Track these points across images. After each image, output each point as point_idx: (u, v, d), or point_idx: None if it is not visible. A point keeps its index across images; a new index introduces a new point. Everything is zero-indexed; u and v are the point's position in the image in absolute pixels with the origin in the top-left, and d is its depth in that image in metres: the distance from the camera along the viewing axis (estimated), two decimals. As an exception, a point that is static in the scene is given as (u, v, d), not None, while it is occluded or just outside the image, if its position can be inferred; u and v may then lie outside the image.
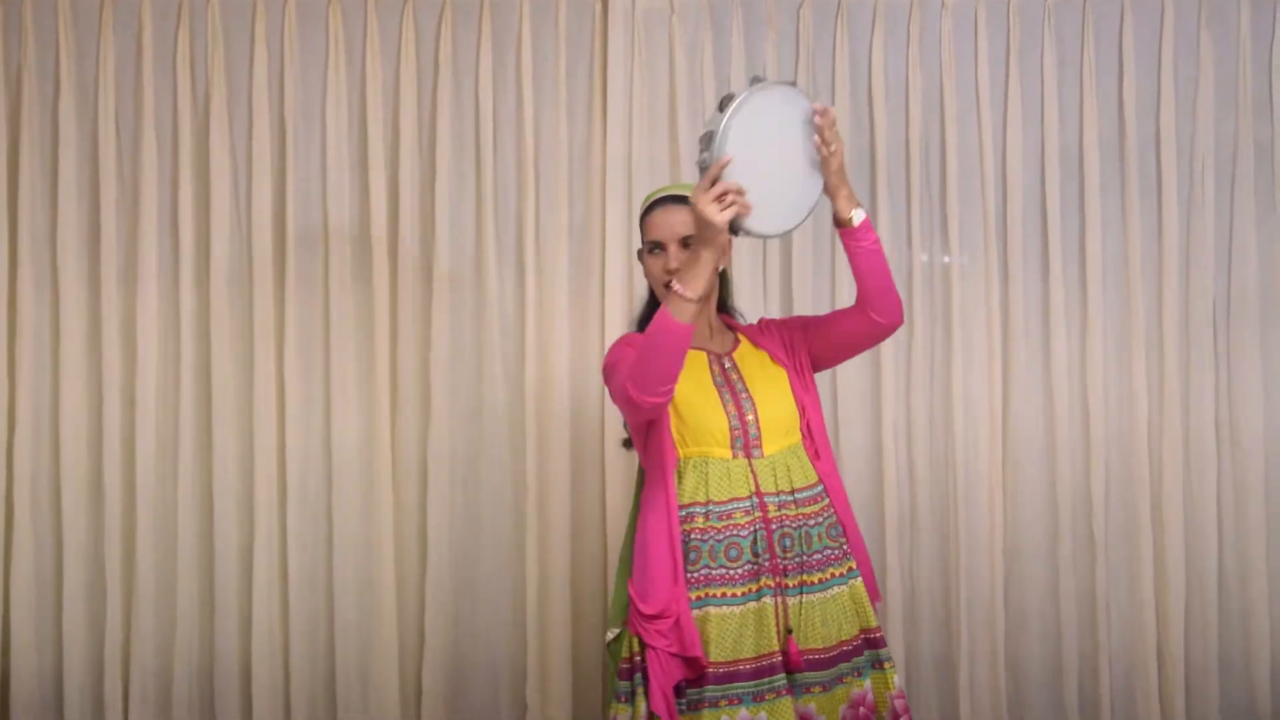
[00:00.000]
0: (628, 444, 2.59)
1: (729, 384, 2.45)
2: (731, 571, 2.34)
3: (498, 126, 3.31)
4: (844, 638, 2.39)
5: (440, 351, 3.27)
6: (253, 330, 3.27)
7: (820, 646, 2.36)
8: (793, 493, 2.40)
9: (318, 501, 3.30)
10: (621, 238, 3.28)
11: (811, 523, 2.41)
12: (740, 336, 2.55)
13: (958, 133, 3.31)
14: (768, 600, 2.33)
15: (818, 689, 2.35)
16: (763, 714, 2.29)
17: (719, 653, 2.30)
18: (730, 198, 2.15)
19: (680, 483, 2.40)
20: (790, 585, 2.36)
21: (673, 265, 2.38)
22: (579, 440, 3.29)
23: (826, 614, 2.37)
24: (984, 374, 3.31)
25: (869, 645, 2.43)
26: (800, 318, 2.58)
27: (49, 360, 3.29)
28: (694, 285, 2.19)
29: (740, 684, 2.29)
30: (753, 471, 2.39)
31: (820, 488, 2.44)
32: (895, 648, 3.24)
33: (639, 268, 3.22)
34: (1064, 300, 3.31)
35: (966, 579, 3.28)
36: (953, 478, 3.29)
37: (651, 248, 2.44)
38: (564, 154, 3.30)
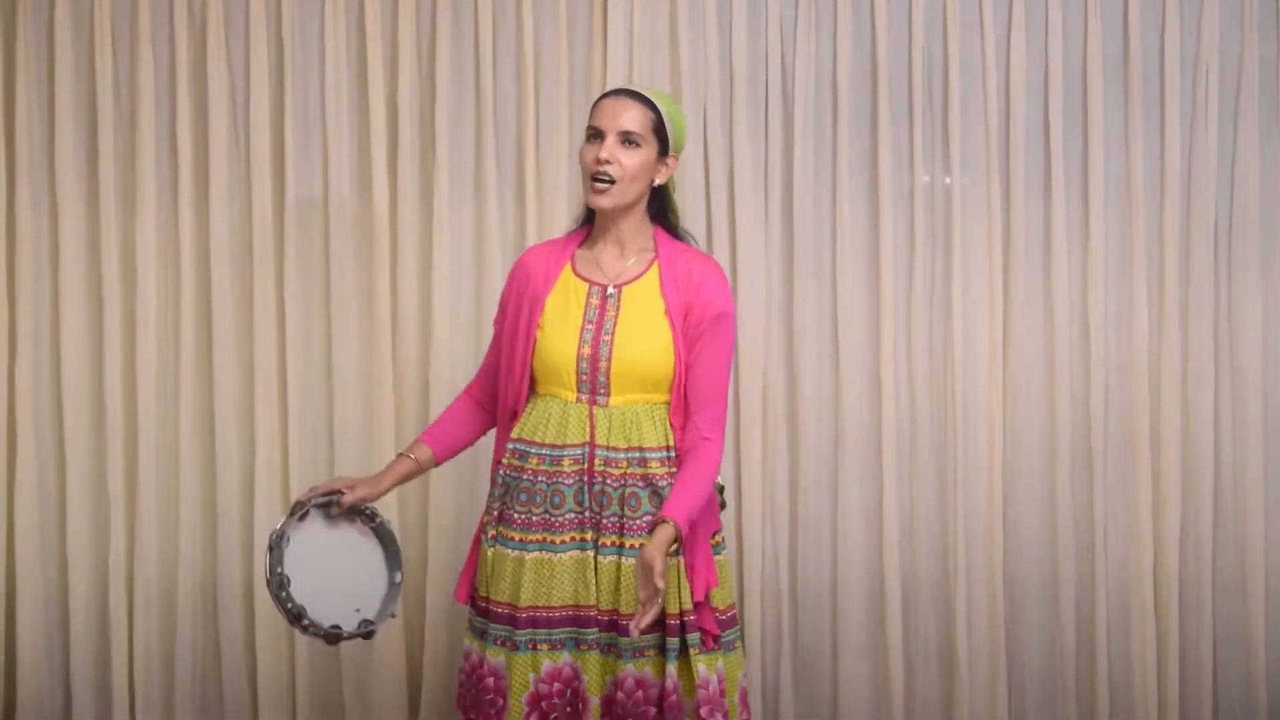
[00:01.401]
0: None
1: (600, 321, 2.39)
2: (531, 517, 2.39)
3: (497, 45, 3.28)
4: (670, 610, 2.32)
5: (441, 272, 3.27)
6: (252, 248, 3.27)
7: (630, 613, 2.29)
8: (628, 450, 2.36)
9: (319, 421, 3.31)
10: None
11: (641, 485, 2.36)
12: (655, 267, 2.43)
13: (960, 51, 3.28)
14: (589, 553, 2.36)
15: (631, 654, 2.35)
16: (579, 663, 2.35)
17: (530, 596, 2.35)
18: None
19: (524, 417, 2.44)
20: (606, 544, 2.35)
21: (603, 155, 2.34)
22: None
23: (631, 582, 2.31)
24: (984, 294, 3.30)
25: (673, 631, 2.33)
26: (713, 337, 2.39)
27: (48, 281, 3.29)
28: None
29: (558, 630, 2.35)
30: (591, 419, 2.37)
31: (666, 455, 2.37)
32: (891, 568, 3.27)
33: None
34: (1065, 220, 3.29)
35: (964, 499, 3.29)
36: (952, 398, 3.29)
37: (591, 134, 2.40)
38: (564, 73, 3.27)
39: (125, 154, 3.28)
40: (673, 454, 2.37)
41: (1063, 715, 3.32)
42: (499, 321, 2.56)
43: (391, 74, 3.27)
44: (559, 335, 2.39)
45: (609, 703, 2.36)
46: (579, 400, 2.38)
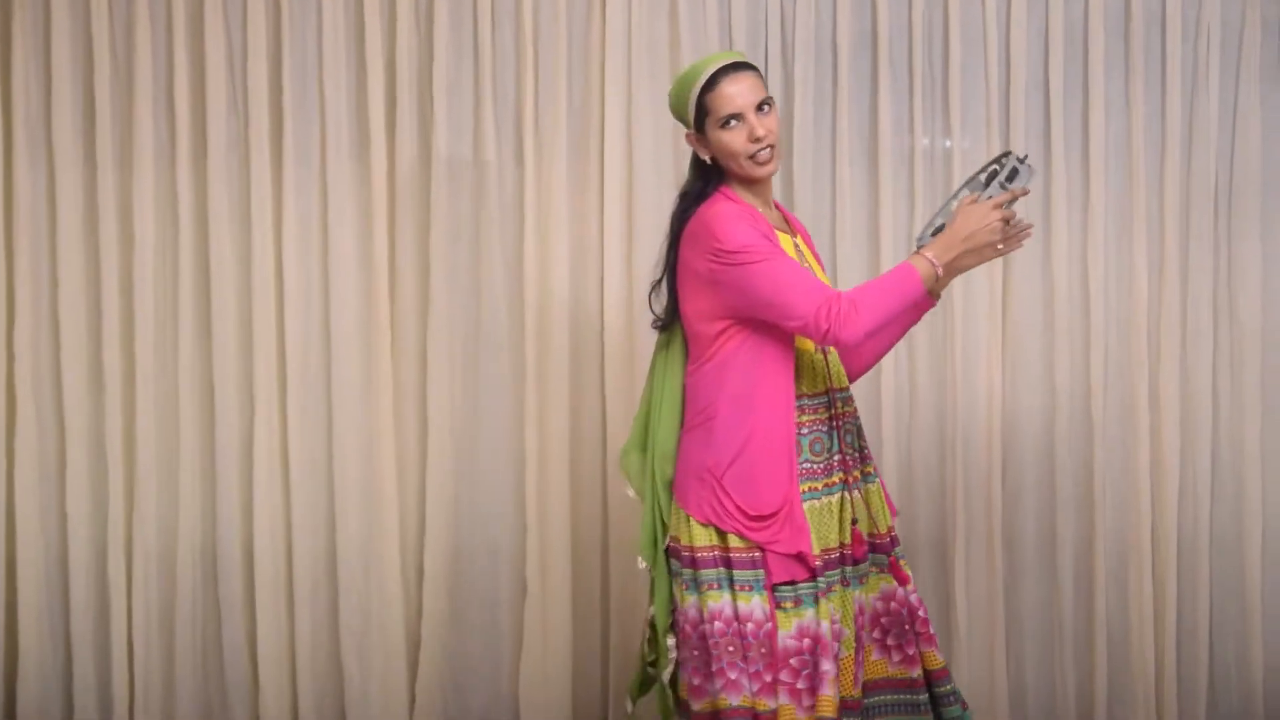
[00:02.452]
0: (661, 325, 2.51)
1: (809, 269, 2.43)
2: (816, 465, 2.38)
3: (496, 7, 3.26)
4: (883, 530, 2.46)
5: (439, 233, 3.26)
6: (250, 213, 3.25)
7: (879, 533, 2.45)
8: (843, 389, 2.46)
9: (317, 384, 3.29)
10: (620, 120, 3.25)
11: (858, 420, 2.49)
12: (789, 223, 2.53)
13: (960, 14, 3.27)
14: (844, 495, 2.40)
15: (870, 574, 2.45)
16: (831, 605, 2.34)
17: (817, 545, 2.35)
18: (1020, 235, 2.35)
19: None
20: (856, 479, 2.43)
21: (759, 132, 2.32)
22: (578, 321, 3.29)
23: (876, 505, 2.46)
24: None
25: (894, 543, 2.49)
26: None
27: (46, 244, 3.27)
28: (949, 274, 2.34)
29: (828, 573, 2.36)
30: (827, 365, 2.43)
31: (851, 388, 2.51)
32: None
33: (640, 150, 3.25)
34: (1065, 181, 3.29)
35: (963, 459, 3.30)
36: (951, 358, 3.29)
37: (728, 121, 2.34)
38: (563, 35, 3.26)
39: (122, 114, 3.26)
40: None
41: (1060, 674, 3.34)
42: (771, 244, 2.33)
43: (389, 35, 3.26)
44: None
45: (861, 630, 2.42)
46: (816, 349, 2.42)
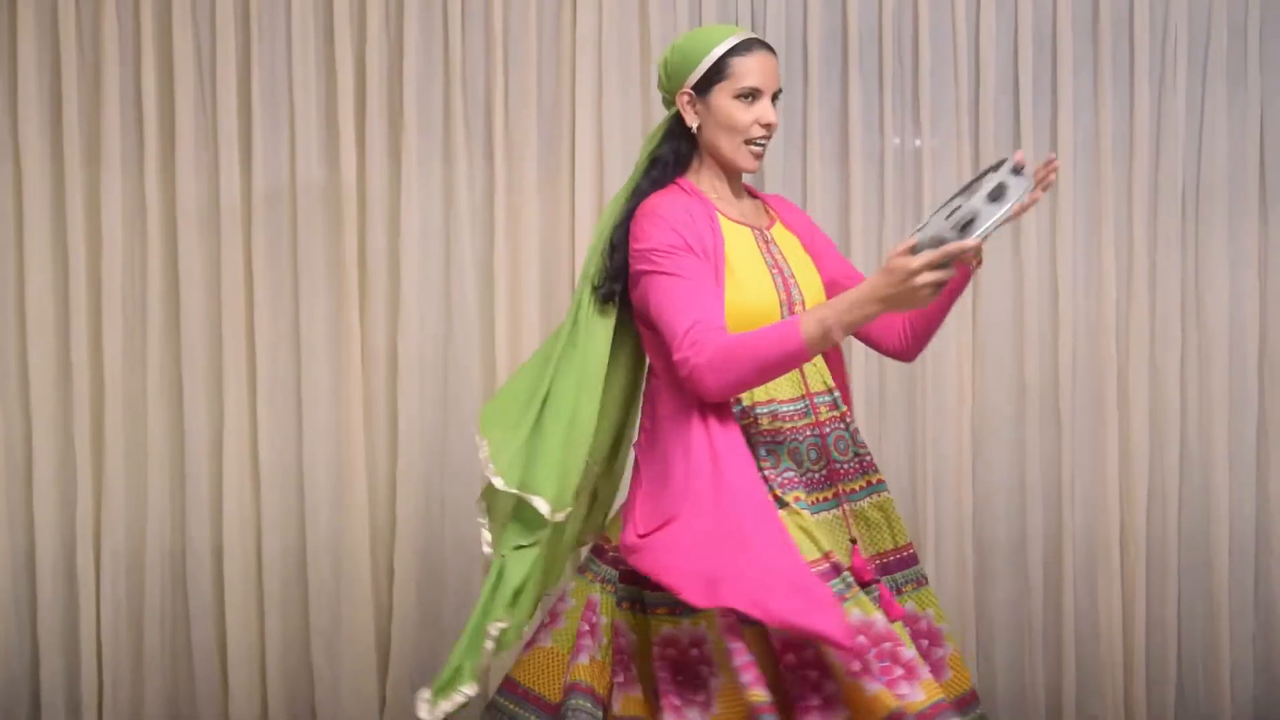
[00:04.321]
0: (604, 295, 2.26)
1: (777, 264, 2.22)
2: (797, 477, 2.16)
3: (465, 7, 3.26)
4: (887, 547, 2.26)
5: (409, 233, 3.25)
6: (219, 210, 3.24)
7: (891, 548, 2.26)
8: (830, 392, 2.24)
9: (287, 384, 3.29)
10: (591, 121, 3.24)
11: (848, 426, 2.25)
12: (770, 211, 2.34)
13: (930, 13, 3.28)
14: (836, 511, 2.20)
15: (909, 587, 2.25)
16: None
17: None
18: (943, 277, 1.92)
19: None
20: (849, 491, 2.22)
21: (770, 117, 2.17)
22: (549, 322, 3.29)
23: (876, 520, 2.25)
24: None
25: (902, 564, 2.28)
26: (830, 249, 2.37)
27: (13, 243, 3.27)
28: (844, 331, 1.97)
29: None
30: (800, 369, 2.20)
31: (837, 393, 2.26)
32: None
33: (610, 151, 3.24)
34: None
35: (933, 459, 3.30)
36: (921, 359, 3.27)
37: (746, 94, 2.17)
38: (533, 36, 3.26)
39: (90, 113, 3.24)
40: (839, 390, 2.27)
41: (1030, 672, 3.35)
42: (684, 256, 2.11)
43: (359, 34, 3.25)
44: (758, 284, 2.17)
45: None
46: None
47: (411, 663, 3.32)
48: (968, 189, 2.04)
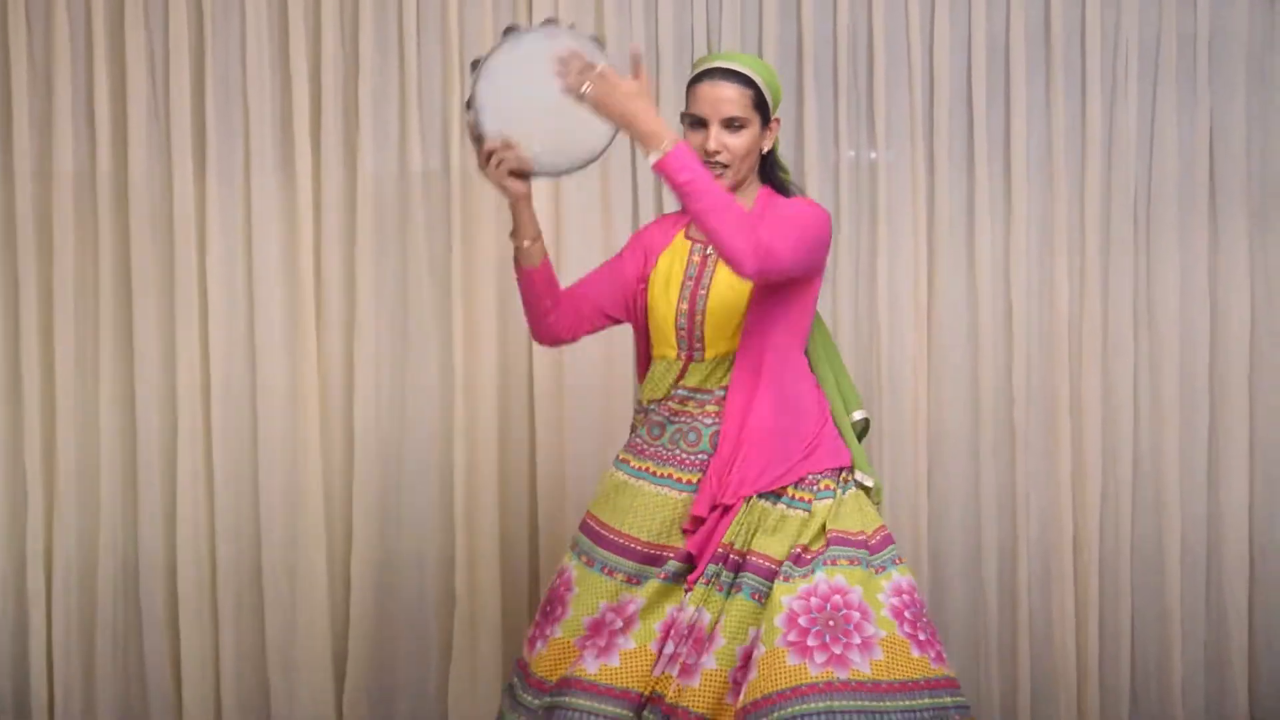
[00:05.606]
0: None
1: (698, 277, 2.36)
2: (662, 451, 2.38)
3: (421, 16, 3.25)
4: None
5: (364, 243, 3.24)
6: (173, 223, 3.22)
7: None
8: (694, 390, 2.36)
9: (242, 394, 3.27)
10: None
11: (706, 422, 2.35)
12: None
13: (885, 25, 3.29)
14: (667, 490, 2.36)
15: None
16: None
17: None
18: (497, 157, 2.23)
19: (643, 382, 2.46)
20: (681, 480, 2.35)
21: (711, 146, 2.28)
22: (506, 329, 3.29)
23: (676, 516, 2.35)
24: (909, 267, 3.33)
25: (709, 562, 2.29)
26: (783, 217, 2.37)
27: (-38, 255, 3.24)
28: (514, 234, 2.34)
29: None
30: (682, 373, 2.36)
31: (721, 393, 2.34)
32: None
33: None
34: (989, 193, 3.32)
35: (889, 470, 3.32)
36: (877, 370, 3.31)
37: (693, 122, 2.32)
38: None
39: (41, 123, 3.22)
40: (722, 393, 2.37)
41: (985, 681, 3.36)
42: (619, 259, 2.49)
43: (314, 43, 3.24)
44: (663, 295, 2.38)
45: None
46: (679, 357, 2.37)
47: (368, 674, 3.31)
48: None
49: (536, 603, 3.30)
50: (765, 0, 3.27)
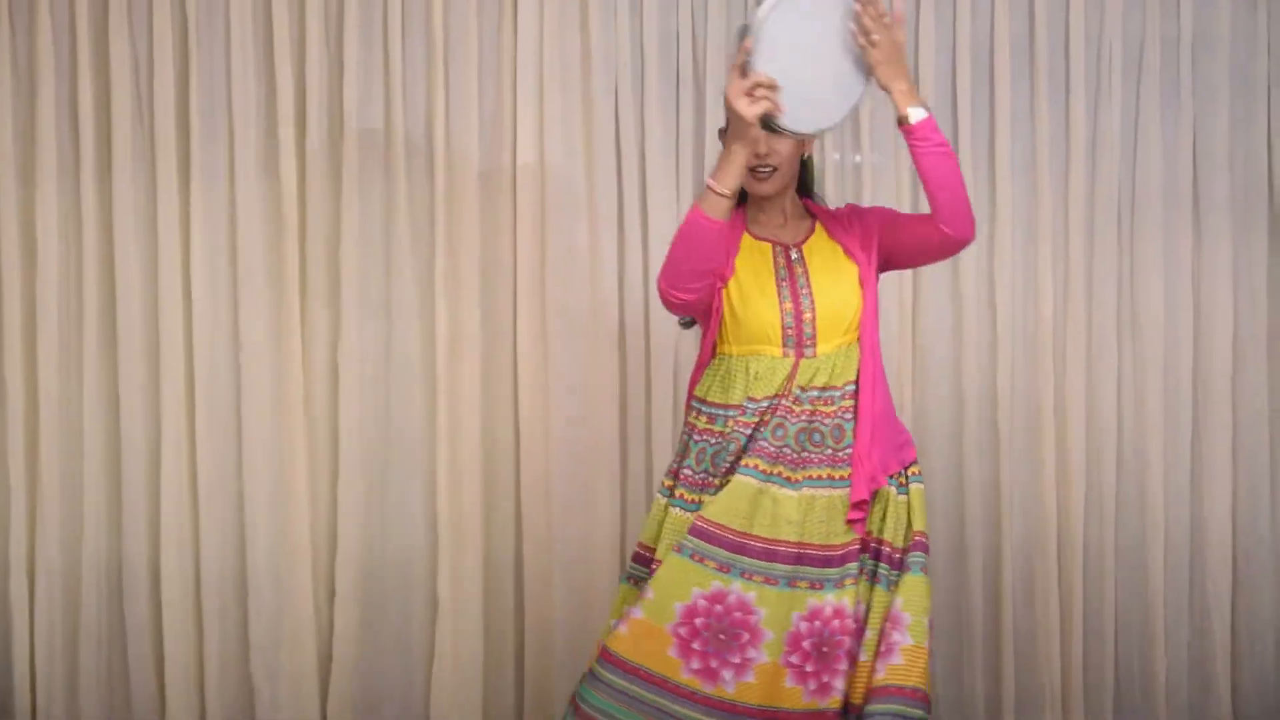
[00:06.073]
0: (687, 324, 2.63)
1: (791, 278, 2.44)
2: (709, 479, 2.40)
3: (406, 22, 3.24)
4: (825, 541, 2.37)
5: (349, 248, 3.23)
6: (157, 225, 3.21)
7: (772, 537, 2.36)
8: (823, 389, 2.40)
9: (226, 399, 3.25)
10: (532, 132, 3.25)
11: (826, 422, 2.39)
12: (818, 225, 2.52)
13: (870, 28, 3.30)
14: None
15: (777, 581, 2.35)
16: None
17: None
18: (761, 93, 2.16)
19: (707, 379, 2.46)
20: (792, 478, 2.37)
21: (761, 149, 2.36)
22: (490, 334, 3.28)
23: (813, 512, 2.37)
24: (893, 273, 3.30)
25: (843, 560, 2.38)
26: (887, 211, 2.56)
27: (-55, 258, 3.21)
28: (724, 179, 2.23)
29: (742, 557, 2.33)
30: (794, 369, 2.40)
31: (852, 388, 2.41)
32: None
33: (552, 163, 3.24)
34: (973, 196, 3.26)
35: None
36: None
37: None
38: (474, 46, 3.25)
39: (24, 125, 3.20)
40: (852, 388, 2.42)
41: (969, 679, 3.37)
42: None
43: (299, 45, 3.23)
44: (760, 297, 2.41)
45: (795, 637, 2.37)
46: (785, 355, 2.41)
47: (353, 680, 3.29)
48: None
49: (521, 610, 3.31)
50: (751, 3, 3.27)
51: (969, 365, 3.34)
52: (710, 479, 2.41)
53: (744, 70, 2.16)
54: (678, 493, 2.44)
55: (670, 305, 2.38)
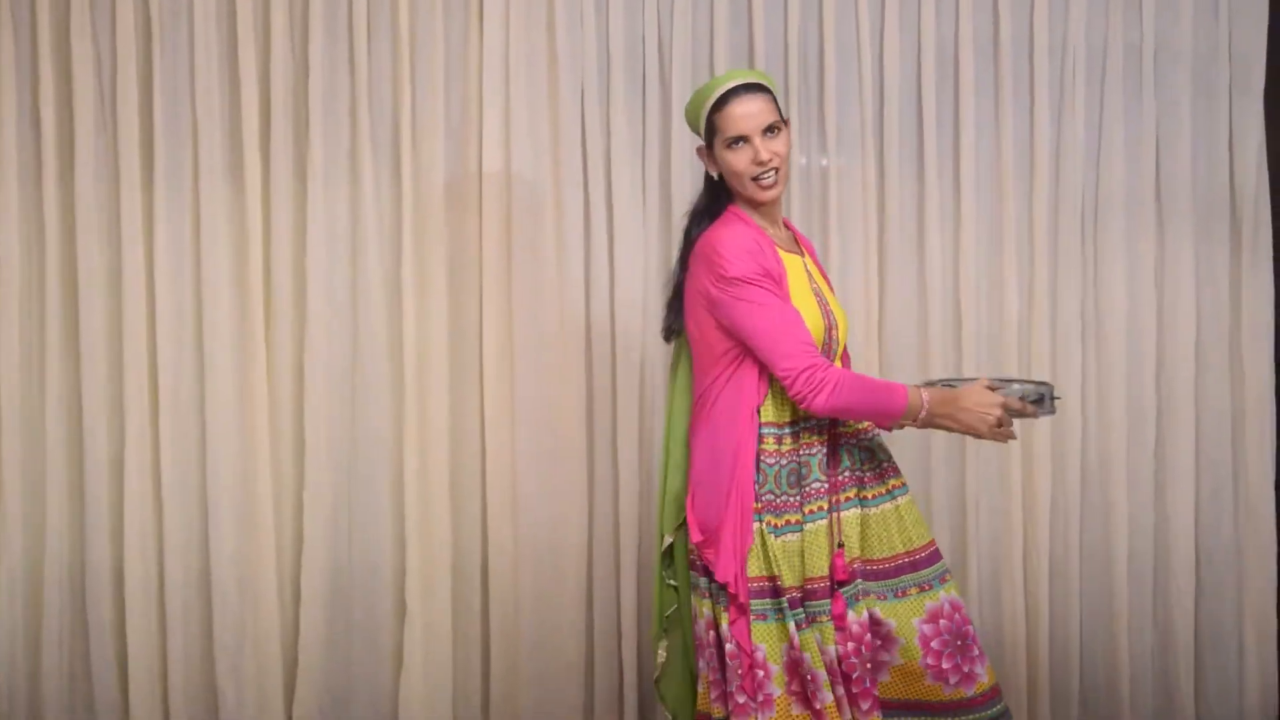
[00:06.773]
0: (670, 335, 2.55)
1: (818, 292, 2.44)
2: (822, 486, 2.38)
3: (372, 22, 3.24)
4: (907, 548, 2.45)
5: (315, 249, 3.22)
6: (120, 230, 3.19)
7: (881, 557, 2.42)
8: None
9: (190, 402, 3.24)
10: (498, 133, 3.24)
11: (868, 436, 2.47)
12: (797, 241, 2.55)
13: (835, 33, 3.31)
14: (830, 518, 2.38)
15: (886, 596, 2.41)
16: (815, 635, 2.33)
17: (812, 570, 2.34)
18: (1002, 436, 2.36)
19: (768, 404, 2.38)
20: (848, 499, 2.41)
21: (763, 156, 2.36)
22: (457, 337, 3.28)
23: (874, 529, 2.43)
24: (860, 273, 3.34)
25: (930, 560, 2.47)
26: None
27: (-95, 262, 3.20)
28: (925, 419, 2.33)
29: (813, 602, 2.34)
30: None
31: None
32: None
33: (518, 163, 3.24)
34: (938, 200, 3.34)
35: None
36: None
37: (734, 142, 2.38)
38: (440, 48, 3.25)
39: (-16, 127, 3.20)
40: None
41: (934, 686, 3.38)
42: (766, 283, 2.34)
43: (264, 46, 3.22)
44: (809, 311, 2.38)
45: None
46: None
47: (318, 683, 3.28)
48: (1008, 382, 2.45)
49: (488, 613, 3.30)
50: (716, 7, 3.28)
51: (935, 369, 3.34)
52: (791, 499, 2.36)
53: (1011, 419, 2.37)
54: (767, 519, 2.35)
55: (800, 402, 2.30)
